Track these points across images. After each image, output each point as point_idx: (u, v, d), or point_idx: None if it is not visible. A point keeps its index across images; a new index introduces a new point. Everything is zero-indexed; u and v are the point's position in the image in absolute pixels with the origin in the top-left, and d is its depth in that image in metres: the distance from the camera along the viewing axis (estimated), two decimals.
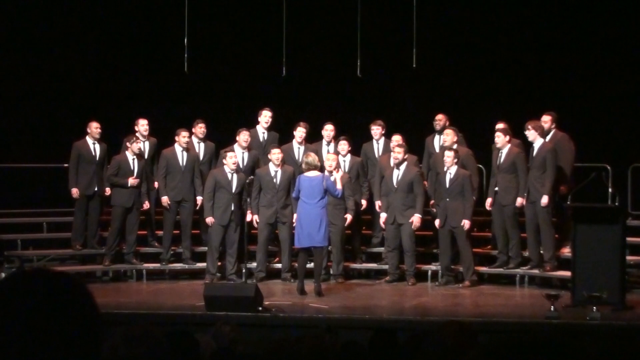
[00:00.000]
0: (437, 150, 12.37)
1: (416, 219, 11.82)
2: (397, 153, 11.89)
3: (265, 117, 12.83)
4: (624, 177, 12.51)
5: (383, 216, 12.09)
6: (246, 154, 12.44)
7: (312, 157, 11.21)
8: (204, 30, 14.05)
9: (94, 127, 12.53)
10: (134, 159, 12.29)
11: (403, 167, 11.93)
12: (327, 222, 11.17)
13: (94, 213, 12.56)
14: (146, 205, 12.52)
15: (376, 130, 12.70)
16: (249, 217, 12.01)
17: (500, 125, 11.90)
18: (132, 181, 12.15)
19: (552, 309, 9.20)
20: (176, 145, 12.49)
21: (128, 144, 12.26)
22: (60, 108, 14.30)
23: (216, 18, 14.60)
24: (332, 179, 11.28)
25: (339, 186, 11.02)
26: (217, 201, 12.01)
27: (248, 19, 14.66)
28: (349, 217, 11.93)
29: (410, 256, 11.93)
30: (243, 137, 12.35)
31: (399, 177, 11.93)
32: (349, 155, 12.46)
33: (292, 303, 10.39)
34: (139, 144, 12.35)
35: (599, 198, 11.65)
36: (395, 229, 11.96)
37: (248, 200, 11.85)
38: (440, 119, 12.61)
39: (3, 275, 10.40)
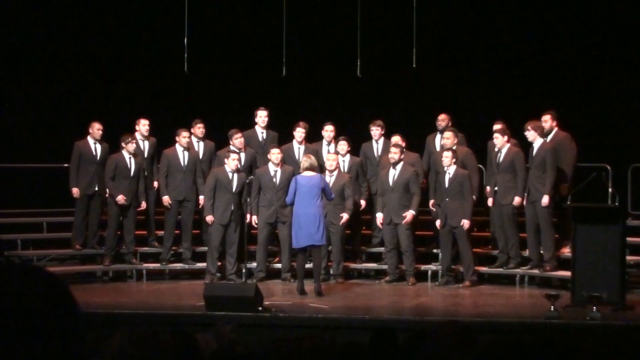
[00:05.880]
0: (438, 149, 12.37)
1: (409, 215, 11.81)
2: (394, 153, 11.90)
3: (261, 117, 12.83)
4: (624, 177, 12.50)
5: (379, 216, 12.09)
6: (243, 154, 12.44)
7: (313, 159, 11.21)
8: (204, 30, 14.05)
9: (96, 129, 12.53)
10: (130, 158, 12.30)
11: (399, 166, 11.94)
12: (325, 223, 11.19)
13: (94, 213, 12.57)
14: (143, 205, 12.52)
15: (375, 130, 12.69)
16: (254, 219, 12.02)
17: (497, 126, 11.90)
18: (121, 200, 12.18)
19: (552, 309, 9.20)
20: (177, 145, 12.50)
21: (123, 144, 12.27)
22: (60, 108, 14.31)
23: (216, 18, 14.60)
24: (329, 180, 11.35)
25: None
26: (217, 201, 12.01)
27: (248, 19, 14.66)
28: (345, 216, 11.90)
29: (408, 256, 11.93)
30: (237, 139, 12.33)
31: (395, 177, 11.93)
32: (348, 155, 12.46)
33: (292, 303, 10.39)
34: (134, 144, 12.35)
35: (599, 198, 11.65)
36: (392, 229, 11.96)
37: (248, 200, 11.84)
38: (443, 119, 12.61)
39: None
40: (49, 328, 1.76)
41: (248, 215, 12.01)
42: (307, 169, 11.07)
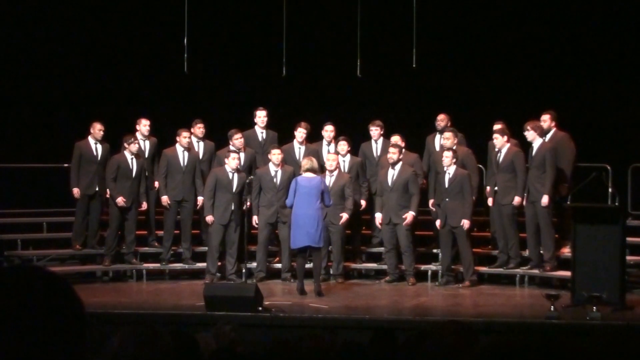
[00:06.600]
0: (437, 149, 12.37)
1: (409, 216, 11.82)
2: (392, 153, 11.90)
3: (260, 117, 12.83)
4: (624, 177, 12.50)
5: (378, 216, 12.09)
6: (242, 154, 12.43)
7: (314, 162, 11.22)
8: (204, 30, 14.05)
9: (97, 129, 12.53)
10: (132, 159, 12.31)
11: (398, 167, 11.94)
12: (324, 224, 11.22)
13: (95, 213, 12.57)
14: (144, 205, 12.52)
15: (375, 130, 12.70)
16: (254, 220, 12.03)
17: (497, 127, 11.90)
18: (120, 202, 12.18)
19: (552, 309, 9.20)
20: (177, 145, 12.50)
21: (126, 144, 12.28)
22: (60, 108, 14.31)
23: (216, 18, 14.60)
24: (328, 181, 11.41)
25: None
26: (217, 200, 12.01)
27: (248, 19, 14.66)
28: (345, 216, 11.90)
29: (408, 256, 11.93)
30: (237, 139, 12.33)
31: (394, 177, 11.93)
32: (348, 155, 12.47)
33: (292, 303, 10.40)
34: (137, 145, 12.35)
35: (599, 198, 11.65)
36: (391, 229, 11.96)
37: (248, 198, 11.82)
38: (442, 119, 12.61)
39: None
40: (52, 328, 1.76)
41: (254, 218, 12.04)
42: (308, 170, 11.09)
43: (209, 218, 12.05)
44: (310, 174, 11.08)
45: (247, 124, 12.91)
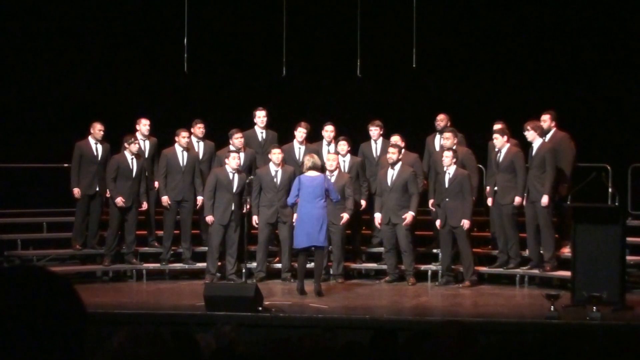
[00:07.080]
0: (437, 149, 12.38)
1: (409, 216, 11.82)
2: (392, 153, 11.91)
3: (259, 117, 12.83)
4: (624, 177, 12.51)
5: (378, 216, 12.09)
6: (242, 154, 12.43)
7: (316, 159, 11.22)
8: (204, 30, 14.05)
9: (97, 129, 12.53)
10: (132, 159, 12.31)
11: (397, 167, 11.94)
12: (327, 223, 11.18)
13: (95, 213, 12.57)
14: (144, 205, 12.52)
15: (374, 130, 12.70)
16: (254, 219, 12.03)
17: (497, 127, 11.90)
18: (119, 202, 12.18)
19: (552, 309, 9.19)
20: (176, 145, 12.50)
21: (126, 144, 12.28)
22: (60, 108, 14.31)
23: (216, 18, 14.60)
24: (332, 180, 11.37)
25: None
26: (218, 201, 12.01)
27: (248, 19, 14.66)
28: (345, 216, 11.89)
29: (407, 256, 11.93)
30: (237, 138, 12.32)
31: (394, 177, 11.93)
32: (348, 155, 12.47)
33: (292, 303, 10.40)
34: (137, 145, 12.35)
35: (599, 198, 11.65)
36: (391, 229, 11.96)
37: (248, 199, 11.83)
38: (441, 119, 12.62)
39: None
40: (53, 328, 1.76)
41: (254, 218, 12.04)
42: (310, 168, 11.08)
43: (209, 218, 12.05)
44: (313, 173, 11.06)
45: (247, 124, 12.91)
